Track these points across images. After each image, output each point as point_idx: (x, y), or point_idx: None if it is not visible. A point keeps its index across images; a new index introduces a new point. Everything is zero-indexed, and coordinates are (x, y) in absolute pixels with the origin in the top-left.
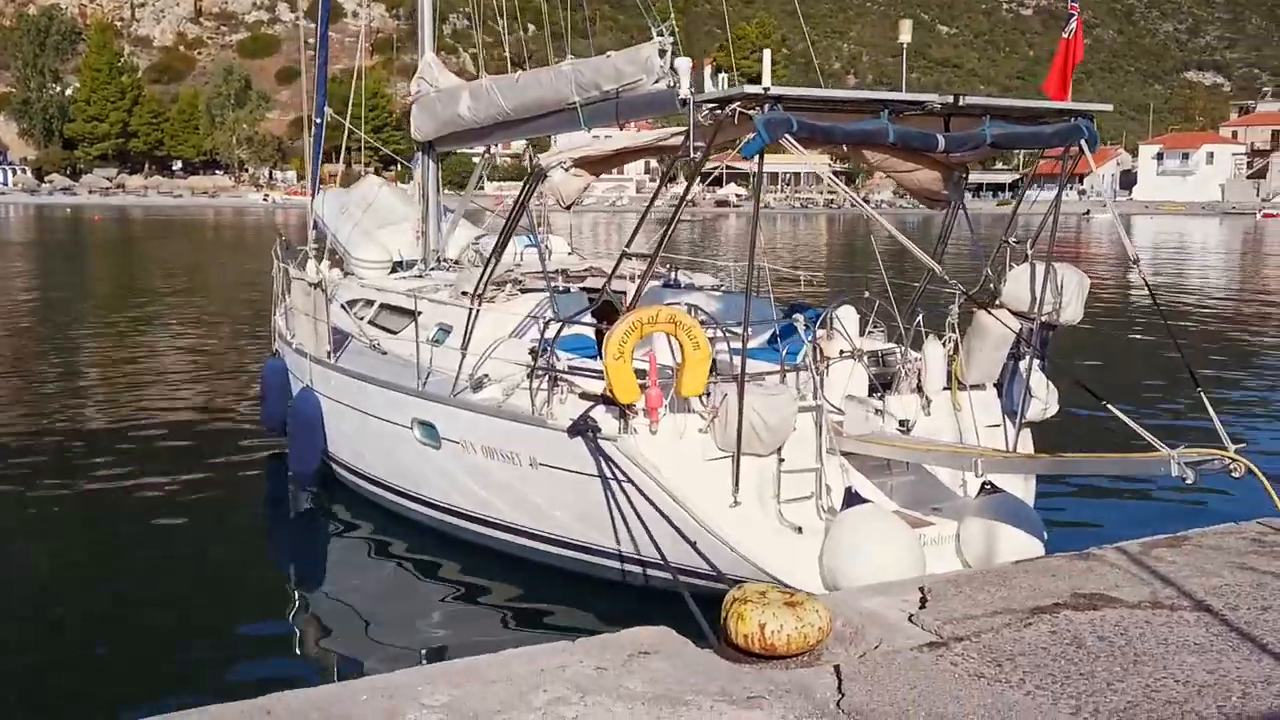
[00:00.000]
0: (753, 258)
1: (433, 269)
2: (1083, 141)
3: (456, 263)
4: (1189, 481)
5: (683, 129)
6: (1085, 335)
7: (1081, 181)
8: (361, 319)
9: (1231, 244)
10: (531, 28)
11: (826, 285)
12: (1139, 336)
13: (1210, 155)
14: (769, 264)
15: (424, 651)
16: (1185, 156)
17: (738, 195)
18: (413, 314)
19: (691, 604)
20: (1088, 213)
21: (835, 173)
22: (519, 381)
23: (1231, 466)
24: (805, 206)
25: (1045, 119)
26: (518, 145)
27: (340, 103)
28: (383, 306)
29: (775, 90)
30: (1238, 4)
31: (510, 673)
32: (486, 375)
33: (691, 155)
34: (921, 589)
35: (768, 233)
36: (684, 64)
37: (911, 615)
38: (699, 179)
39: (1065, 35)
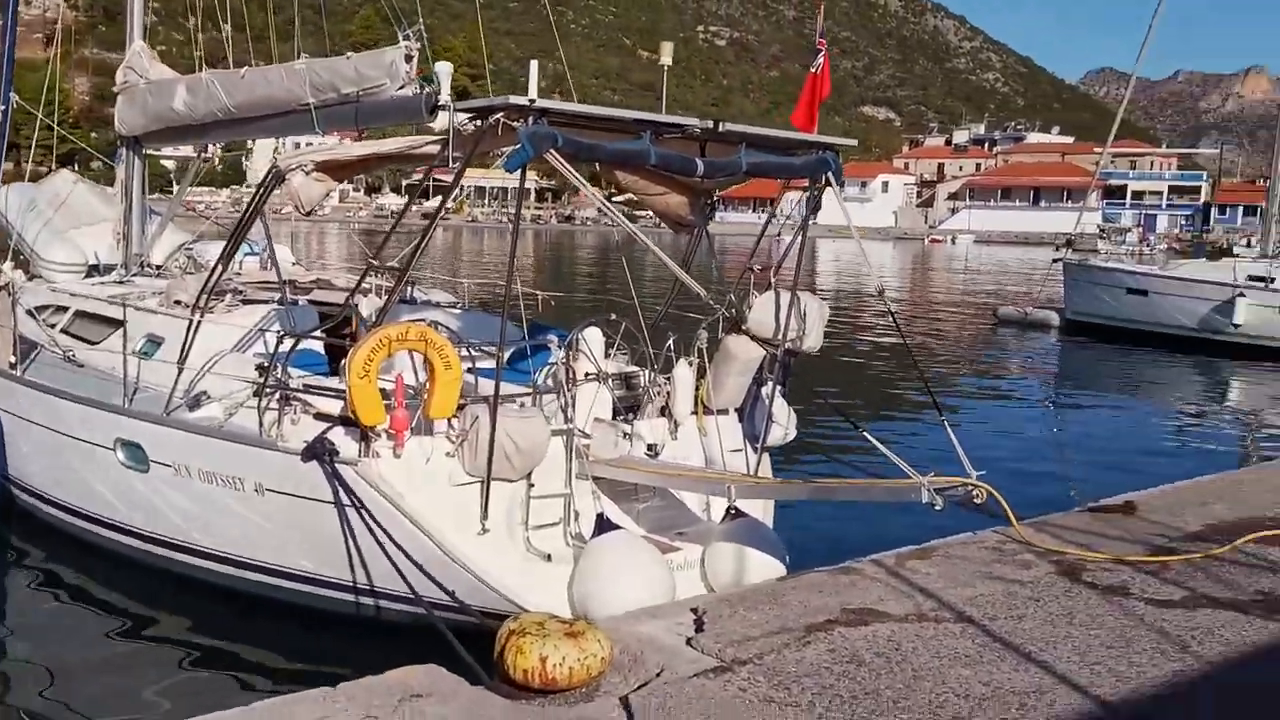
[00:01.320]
0: (511, 274)
1: (134, 275)
2: (829, 174)
3: (161, 269)
4: (938, 508)
5: (438, 137)
6: (827, 361)
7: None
8: (53, 327)
9: (907, 265)
10: (228, 27)
11: (565, 306)
12: (872, 362)
13: (885, 184)
14: (518, 284)
15: (140, 716)
16: (863, 185)
17: (484, 211)
18: (115, 323)
19: (454, 641)
20: (779, 234)
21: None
22: (243, 399)
23: (975, 493)
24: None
25: (796, 150)
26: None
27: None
28: (79, 314)
29: (542, 103)
30: (907, 46)
31: None
32: (205, 392)
33: (450, 164)
34: (695, 610)
35: (474, 248)
36: (444, 68)
37: (689, 639)
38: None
39: (813, 70)
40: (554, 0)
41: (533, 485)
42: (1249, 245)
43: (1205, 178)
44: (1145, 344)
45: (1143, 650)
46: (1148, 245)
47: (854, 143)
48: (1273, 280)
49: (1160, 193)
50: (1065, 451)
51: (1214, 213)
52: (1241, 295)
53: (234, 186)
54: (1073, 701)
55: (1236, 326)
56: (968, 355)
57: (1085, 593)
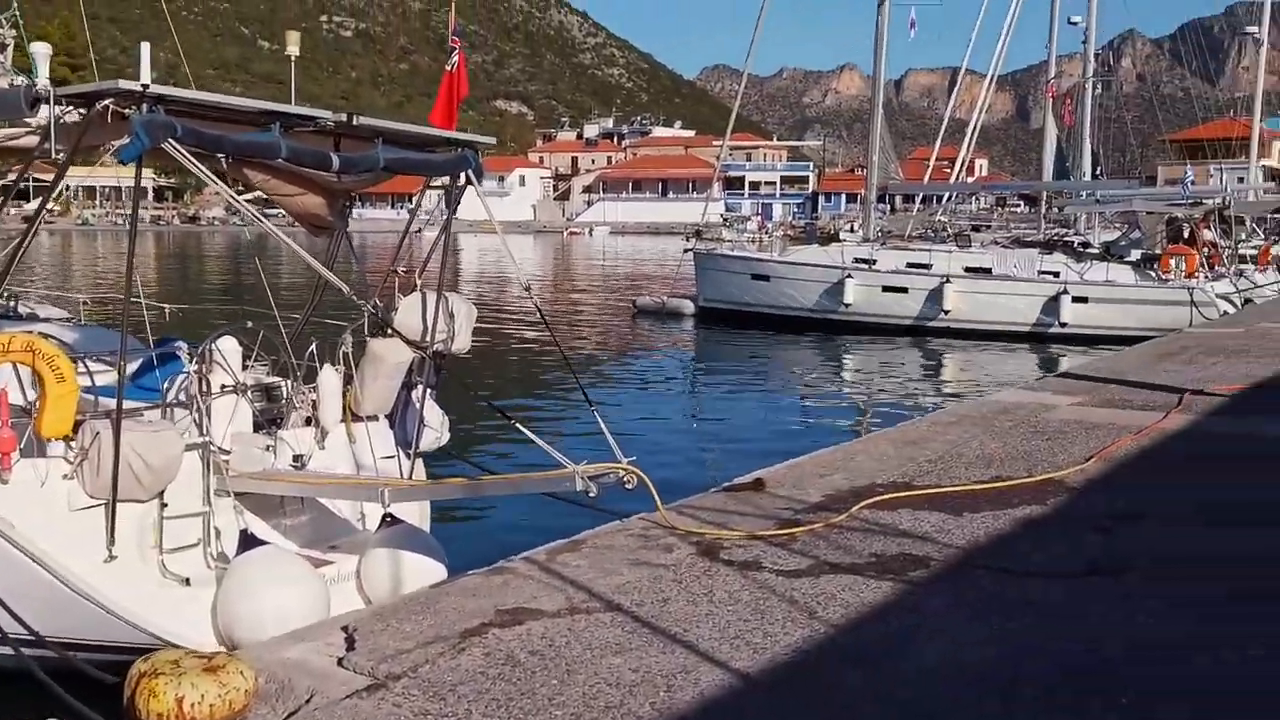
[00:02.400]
0: (130, 278)
1: None
2: (469, 171)
3: None
4: (593, 495)
5: (36, 128)
6: (478, 359)
7: (417, 204)
8: None
9: (548, 258)
10: None
11: (195, 316)
12: (519, 358)
13: (523, 178)
14: (139, 288)
15: None
16: (501, 179)
17: (95, 213)
18: None
19: (59, 690)
20: (419, 230)
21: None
22: None
23: (626, 478)
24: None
25: (435, 147)
26: None
27: None
28: None
29: (156, 89)
30: (535, 41)
31: None
32: None
33: (53, 158)
34: (346, 628)
35: (87, 254)
36: (41, 50)
37: (341, 659)
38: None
39: (449, 69)
40: None
41: (166, 505)
42: (852, 230)
43: (812, 168)
44: (770, 326)
45: (775, 620)
46: (766, 233)
47: (494, 141)
48: (874, 262)
49: (774, 183)
50: (704, 433)
51: (821, 201)
52: (849, 277)
53: None
54: (715, 677)
55: (846, 306)
56: (612, 346)
57: (723, 570)
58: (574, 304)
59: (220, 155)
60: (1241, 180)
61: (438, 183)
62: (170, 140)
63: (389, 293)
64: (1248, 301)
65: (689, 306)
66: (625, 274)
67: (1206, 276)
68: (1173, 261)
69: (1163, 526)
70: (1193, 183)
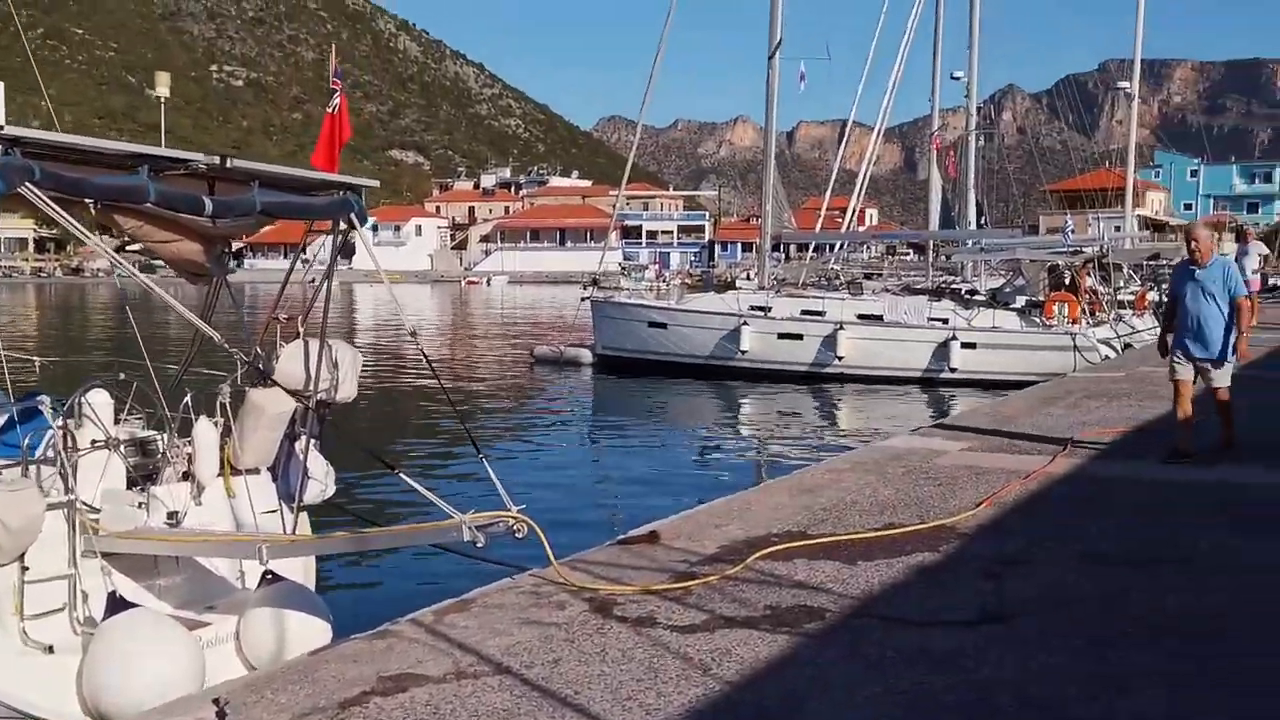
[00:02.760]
0: None
1: None
2: (352, 215)
3: None
4: (480, 545)
5: None
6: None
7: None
8: None
9: (446, 307)
10: None
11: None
12: (412, 408)
13: (419, 227)
14: None
15: None
16: (397, 229)
17: None
18: None
19: None
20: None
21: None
22: None
23: (515, 527)
24: (10, 275)
25: (315, 190)
26: None
27: None
28: None
29: (12, 130)
30: (430, 92)
31: None
32: None
33: None
34: (217, 701)
35: None
36: None
37: None
38: None
39: (330, 111)
40: (45, 34)
41: (27, 568)
42: (749, 278)
43: (707, 217)
44: (668, 374)
45: (669, 679)
46: (663, 281)
47: (376, 183)
48: (770, 309)
49: (671, 232)
50: (600, 483)
51: (718, 249)
52: (746, 324)
53: None
54: None
55: (743, 353)
56: (509, 396)
57: (616, 627)
58: (471, 353)
59: (88, 200)
60: (1118, 229)
61: (322, 227)
62: (28, 184)
63: (271, 341)
64: (1127, 346)
65: (587, 355)
66: (524, 323)
67: (1088, 322)
68: (1056, 308)
69: (1051, 570)
70: (1073, 231)
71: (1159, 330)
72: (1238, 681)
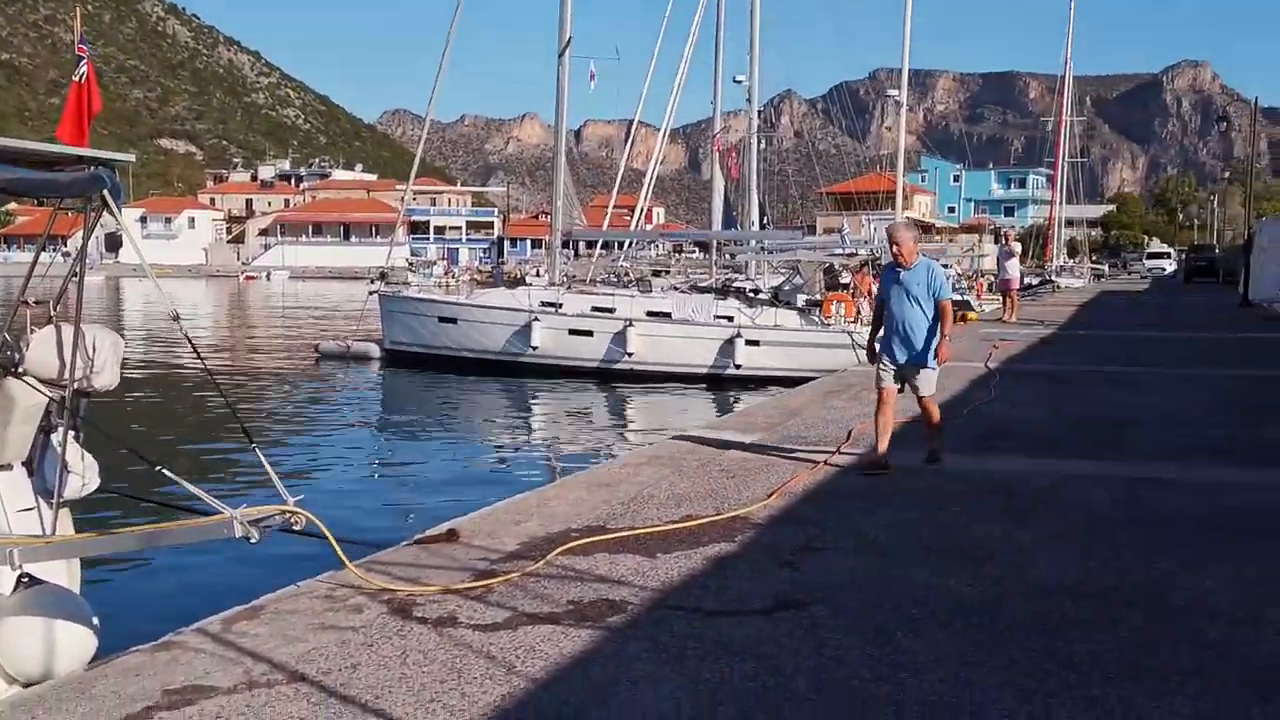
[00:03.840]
0: None
1: None
2: (106, 192)
3: None
4: (254, 540)
5: None
6: (131, 402)
7: (65, 243)
8: None
9: (222, 303)
10: None
11: None
12: (186, 402)
13: (192, 220)
14: None
15: None
16: (168, 220)
17: None
18: None
19: None
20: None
21: None
22: None
23: (293, 520)
24: None
25: (64, 166)
26: None
27: None
28: None
29: None
30: (202, 79)
31: None
32: None
33: None
34: None
35: None
36: None
37: None
38: None
39: (77, 79)
40: None
41: None
42: (539, 275)
43: (497, 213)
44: (459, 369)
45: (473, 679)
46: (453, 277)
47: (131, 158)
48: (560, 306)
49: (460, 228)
50: (394, 482)
51: (507, 245)
52: (536, 320)
53: None
54: None
55: (534, 348)
56: (291, 393)
57: (417, 629)
58: (251, 348)
59: None
60: None
61: (71, 205)
62: None
63: (20, 328)
64: None
65: (375, 350)
66: (308, 319)
67: (864, 321)
68: (834, 307)
69: (841, 558)
70: (849, 234)
71: (869, 334)
72: (1018, 660)
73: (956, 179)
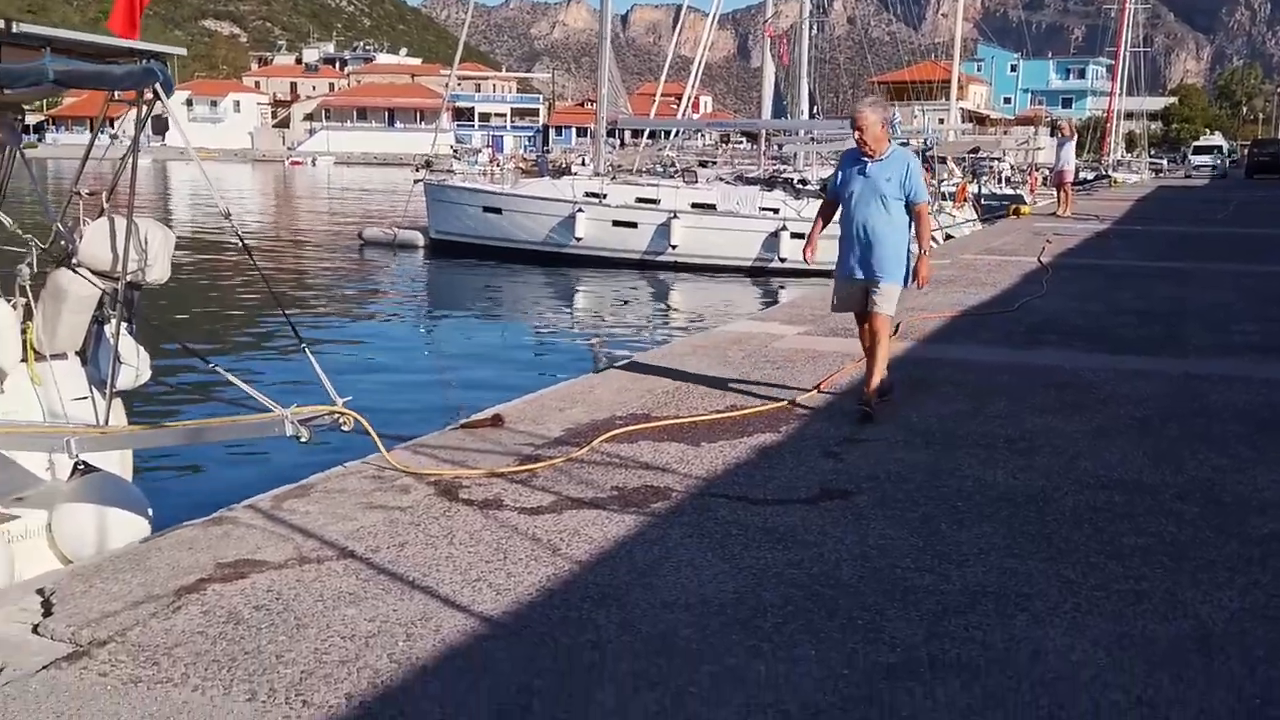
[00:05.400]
0: None
1: None
2: (158, 85)
3: None
4: (304, 440)
5: None
6: (179, 294)
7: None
8: None
9: (268, 188)
10: None
11: None
12: (234, 294)
13: (238, 103)
14: None
15: None
16: (214, 103)
17: None
18: None
19: None
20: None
21: None
22: None
23: (341, 420)
24: None
25: (115, 58)
26: None
27: None
28: None
29: None
30: None
31: None
32: None
33: None
34: (42, 591)
35: None
36: None
37: (36, 626)
38: None
39: None
40: None
41: None
42: (584, 164)
43: (542, 100)
44: (502, 259)
45: (519, 560)
46: (497, 165)
47: (183, 51)
48: (605, 196)
49: (505, 115)
50: (439, 370)
51: (552, 134)
52: (580, 210)
53: None
54: (457, 622)
55: (578, 239)
56: (336, 282)
57: (463, 510)
58: (296, 235)
59: None
60: (942, 121)
61: (126, 98)
62: None
63: (73, 219)
64: (948, 236)
65: (419, 239)
66: (353, 206)
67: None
68: None
69: (887, 449)
70: (900, 124)
71: (812, 224)
72: (1065, 553)
73: (1013, 69)
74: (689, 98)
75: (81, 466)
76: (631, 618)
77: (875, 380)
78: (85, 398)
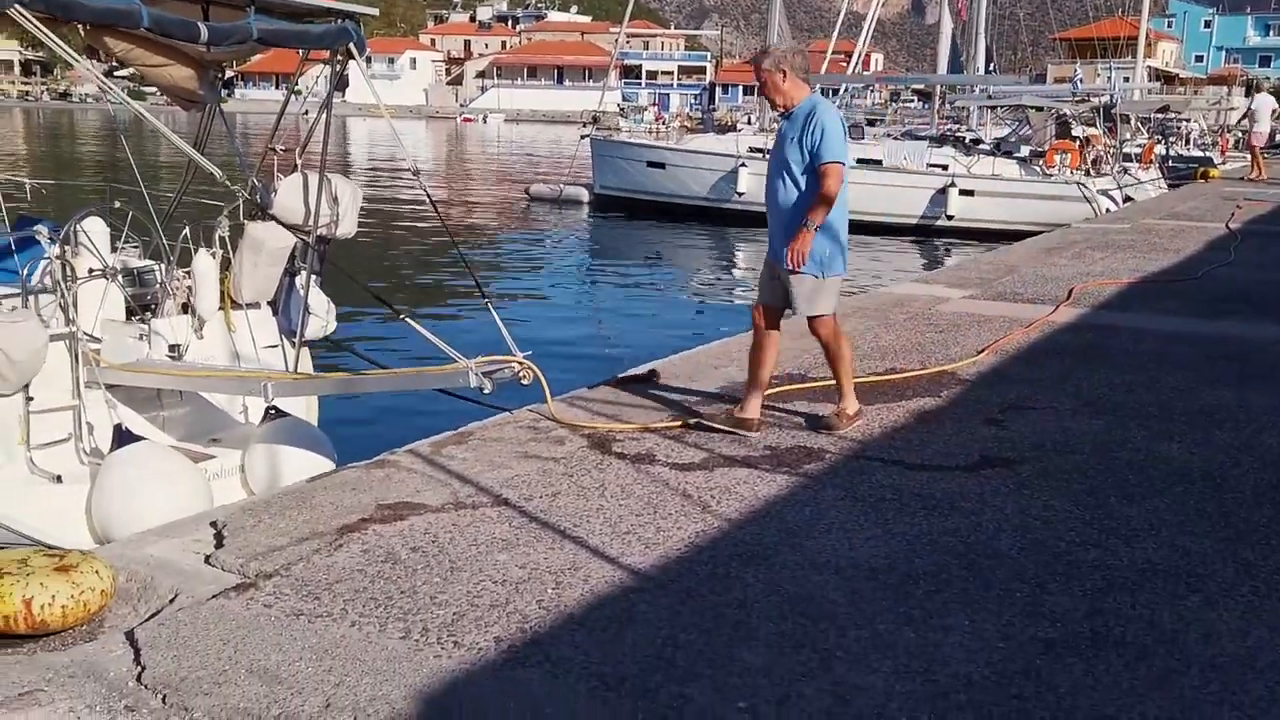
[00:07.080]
0: None
1: None
2: (351, 45)
3: None
4: (487, 391)
5: None
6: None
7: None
8: None
9: (441, 145)
10: None
11: (60, 194)
12: (408, 247)
13: (414, 61)
14: None
15: None
16: (391, 61)
17: None
18: None
19: None
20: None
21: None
22: None
23: (521, 373)
24: None
25: (313, 18)
26: None
27: None
28: None
29: None
30: None
31: None
32: None
33: None
34: (215, 524)
35: None
36: None
37: (209, 556)
38: None
39: None
40: None
41: (32, 399)
42: (749, 122)
43: (709, 58)
44: (666, 214)
45: (669, 515)
46: (663, 123)
47: (375, 12)
48: (768, 151)
49: (671, 73)
50: (598, 324)
51: (719, 92)
52: (743, 165)
53: None
54: (605, 573)
55: (740, 195)
56: (505, 235)
57: (615, 464)
58: (467, 191)
59: (78, 23)
60: (1128, 79)
61: (318, 57)
62: (17, 5)
63: (268, 173)
64: (1128, 199)
65: (584, 194)
66: (521, 162)
67: (1089, 172)
68: (1057, 157)
69: (1053, 418)
70: (1081, 81)
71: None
72: (1244, 533)
73: (1208, 24)
74: (859, 54)
75: (273, 411)
76: (780, 578)
77: (843, 383)
78: (275, 346)
